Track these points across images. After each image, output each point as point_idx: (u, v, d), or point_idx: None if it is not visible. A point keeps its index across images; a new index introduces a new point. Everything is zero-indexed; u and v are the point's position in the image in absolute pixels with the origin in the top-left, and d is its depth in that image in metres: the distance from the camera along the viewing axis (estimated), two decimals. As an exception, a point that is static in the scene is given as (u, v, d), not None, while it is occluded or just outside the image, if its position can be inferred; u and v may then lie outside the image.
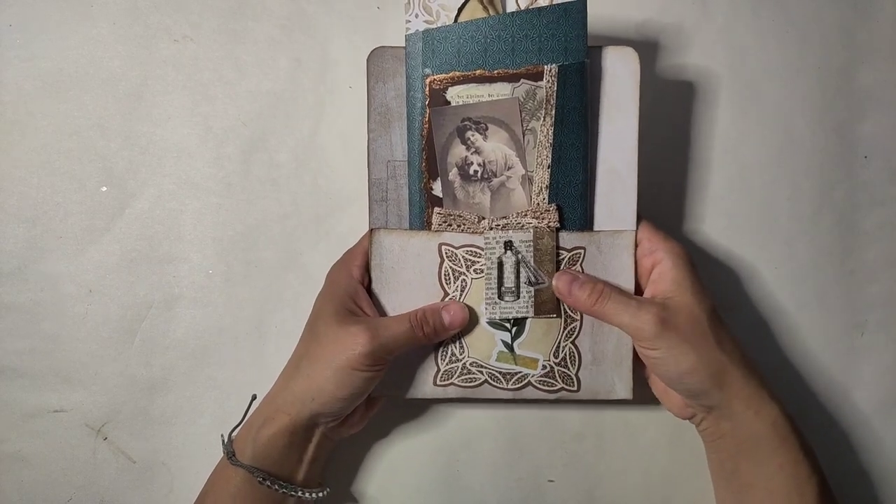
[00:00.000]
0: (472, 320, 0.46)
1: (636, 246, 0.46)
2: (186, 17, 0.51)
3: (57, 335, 0.50)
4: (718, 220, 0.53)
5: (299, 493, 0.44)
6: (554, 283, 0.45)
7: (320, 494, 0.45)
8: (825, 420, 0.53)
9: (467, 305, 0.46)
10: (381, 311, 0.46)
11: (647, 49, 0.52)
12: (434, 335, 0.45)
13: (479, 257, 0.46)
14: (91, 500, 0.50)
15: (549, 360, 0.46)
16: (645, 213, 0.47)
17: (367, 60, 0.45)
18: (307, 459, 0.45)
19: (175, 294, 0.51)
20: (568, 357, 0.46)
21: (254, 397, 0.46)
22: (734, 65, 0.53)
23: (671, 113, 0.53)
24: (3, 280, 0.50)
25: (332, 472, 0.50)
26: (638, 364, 0.46)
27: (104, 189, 0.51)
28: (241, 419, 0.46)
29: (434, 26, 0.44)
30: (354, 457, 0.51)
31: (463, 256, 0.46)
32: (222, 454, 0.45)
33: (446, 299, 0.46)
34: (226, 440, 0.45)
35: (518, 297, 0.46)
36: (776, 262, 0.53)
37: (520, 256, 0.45)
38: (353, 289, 0.45)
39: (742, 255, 0.53)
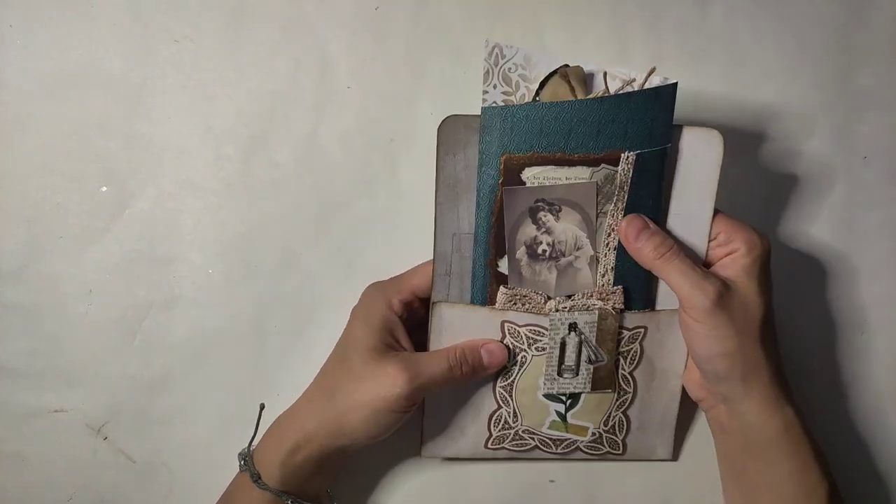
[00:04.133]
0: (528, 393, 0.46)
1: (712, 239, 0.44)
2: (186, 17, 0.51)
3: (57, 335, 0.50)
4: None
5: None
6: (622, 224, 0.43)
7: None
8: (825, 419, 0.53)
9: (506, 346, 0.45)
10: None
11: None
12: (472, 374, 0.44)
13: (542, 336, 0.45)
14: (91, 500, 0.50)
15: (599, 428, 0.47)
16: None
17: (439, 130, 0.42)
18: (325, 476, 0.46)
19: (175, 294, 0.51)
20: (617, 425, 0.47)
21: (262, 407, 0.46)
22: (733, 66, 0.53)
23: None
24: (3, 280, 0.50)
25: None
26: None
27: (104, 189, 0.51)
28: (254, 432, 0.46)
29: (512, 100, 0.42)
30: (355, 457, 0.51)
31: (525, 334, 0.45)
32: (239, 472, 0.45)
33: (503, 373, 0.46)
34: (245, 460, 0.44)
35: (577, 375, 0.45)
36: (776, 262, 0.53)
37: (583, 337, 0.45)
38: (392, 321, 0.44)
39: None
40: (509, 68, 0.42)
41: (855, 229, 0.53)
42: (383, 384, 0.41)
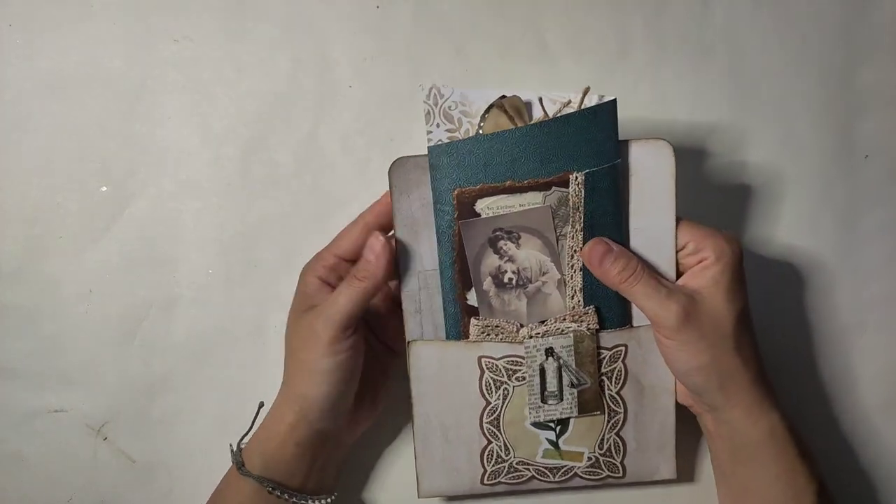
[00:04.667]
0: (516, 425, 0.46)
1: (679, 249, 0.44)
2: (186, 17, 0.51)
3: (57, 335, 0.50)
4: (719, 221, 0.53)
5: (309, 502, 0.44)
6: (585, 250, 0.43)
7: (327, 501, 0.45)
8: (825, 421, 0.53)
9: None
10: (427, 421, 0.46)
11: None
12: (373, 277, 0.42)
13: (520, 366, 0.45)
14: (91, 500, 0.50)
15: (595, 452, 0.46)
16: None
17: (389, 173, 0.43)
18: (317, 467, 0.45)
19: (175, 294, 0.51)
20: (613, 447, 0.46)
21: (261, 405, 0.46)
22: (734, 64, 0.53)
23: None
24: (3, 280, 0.50)
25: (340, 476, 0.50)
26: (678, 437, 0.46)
27: (104, 189, 0.51)
28: (249, 426, 0.46)
29: (457, 136, 0.43)
30: (358, 456, 0.51)
31: (504, 367, 0.45)
32: (231, 463, 0.44)
33: (487, 408, 0.46)
34: (234, 450, 0.45)
35: (561, 400, 0.45)
36: (776, 262, 0.53)
37: (561, 361, 0.45)
38: (316, 286, 0.44)
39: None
40: (449, 106, 0.43)
41: (856, 229, 0.53)
42: (305, 336, 0.42)
